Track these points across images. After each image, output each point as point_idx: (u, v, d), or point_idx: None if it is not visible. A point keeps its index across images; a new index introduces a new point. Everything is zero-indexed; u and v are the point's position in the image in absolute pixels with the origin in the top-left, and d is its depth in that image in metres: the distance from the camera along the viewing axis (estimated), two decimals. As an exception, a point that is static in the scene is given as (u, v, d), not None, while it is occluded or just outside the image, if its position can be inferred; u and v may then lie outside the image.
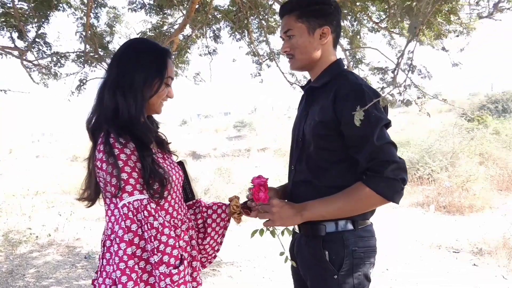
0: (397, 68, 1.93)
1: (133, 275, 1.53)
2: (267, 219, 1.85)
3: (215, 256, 2.19)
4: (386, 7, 3.77)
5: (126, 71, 1.74)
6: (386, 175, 1.64)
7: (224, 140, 38.48)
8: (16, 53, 4.00)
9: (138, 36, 5.15)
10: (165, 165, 1.82)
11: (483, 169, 11.39)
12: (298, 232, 1.99)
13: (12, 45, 3.95)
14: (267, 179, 1.90)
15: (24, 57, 4.06)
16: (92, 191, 1.84)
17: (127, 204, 1.56)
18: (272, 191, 2.12)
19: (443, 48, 4.71)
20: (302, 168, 1.95)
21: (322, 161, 1.85)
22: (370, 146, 1.67)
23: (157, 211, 1.62)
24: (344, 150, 1.79)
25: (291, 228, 2.11)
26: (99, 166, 1.63)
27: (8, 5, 3.64)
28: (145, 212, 1.57)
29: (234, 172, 15.20)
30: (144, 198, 1.59)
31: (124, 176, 1.57)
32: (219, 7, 5.36)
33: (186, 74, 6.32)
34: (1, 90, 3.78)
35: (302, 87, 2.21)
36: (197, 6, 4.38)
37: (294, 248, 2.04)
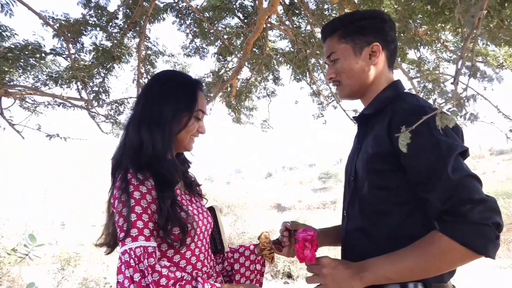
0: (456, 77, 1.48)
1: None
2: (318, 284, 1.47)
3: None
4: (459, 29, 3.28)
5: (153, 104, 1.61)
6: (472, 218, 1.20)
7: (309, 192, 37.88)
8: (82, 103, 4.23)
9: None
10: (191, 209, 1.62)
11: None
12: None
13: (79, 96, 4.19)
14: (315, 232, 1.53)
15: (89, 107, 4.28)
16: (110, 236, 1.66)
17: (128, 251, 1.35)
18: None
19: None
20: (355, 213, 1.58)
21: (378, 203, 1.47)
22: (445, 181, 1.25)
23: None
24: (406, 188, 1.40)
25: None
26: (112, 204, 1.48)
27: (75, 57, 3.92)
28: (151, 259, 1.35)
29: (317, 225, 14.50)
30: (150, 246, 1.38)
31: (132, 217, 1.39)
32: (280, 50, 5.25)
33: (252, 121, 6.22)
34: (61, 138, 4.00)
35: (354, 117, 1.84)
36: (254, 48, 4.30)
37: None
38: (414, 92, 3.58)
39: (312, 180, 42.55)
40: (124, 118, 4.68)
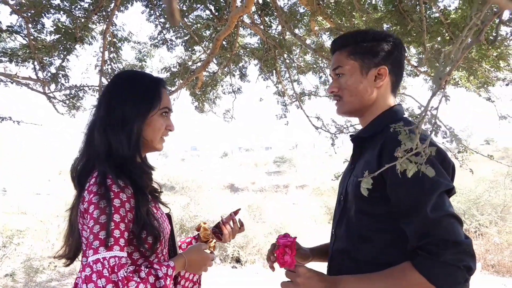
0: (418, 128, 1.55)
1: None
2: None
3: None
4: (421, 49, 3.44)
5: (116, 106, 1.56)
6: (444, 259, 1.24)
7: (263, 175, 38.28)
8: (38, 84, 4.01)
9: (161, 73, 5.11)
10: (158, 217, 1.62)
11: (539, 227, 10.30)
12: None
13: (35, 77, 3.96)
14: (295, 238, 1.58)
15: (46, 89, 4.06)
16: (72, 247, 1.63)
17: (102, 260, 1.30)
18: (300, 252, 1.84)
19: (489, 99, 4.25)
20: (341, 234, 1.62)
21: (363, 229, 1.51)
22: (422, 218, 1.29)
23: (135, 272, 1.38)
24: (390, 217, 1.43)
25: None
26: (85, 209, 1.41)
27: (34, 37, 3.68)
28: (123, 271, 1.31)
29: (269, 209, 14.78)
30: (123, 257, 1.35)
31: (111, 225, 1.35)
32: (248, 45, 5.24)
33: (215, 111, 6.19)
34: (14, 121, 3.79)
35: (351, 136, 1.79)
36: (224, 43, 4.24)
37: None
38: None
39: (267, 163, 43.00)
40: (84, 103, 4.52)
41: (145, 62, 5.43)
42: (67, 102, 4.30)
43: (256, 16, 4.51)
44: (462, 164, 4.14)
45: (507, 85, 4.15)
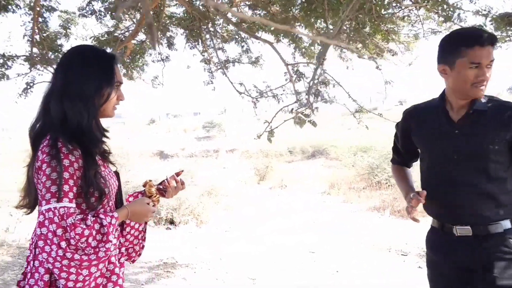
0: (309, 93, 2.14)
1: (72, 269, 1.57)
2: None
3: (140, 254, 2.18)
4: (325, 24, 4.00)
5: (74, 79, 1.74)
6: None
7: (193, 140, 38.11)
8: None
9: (89, 41, 5.14)
10: (105, 175, 1.86)
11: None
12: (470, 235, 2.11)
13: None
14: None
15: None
16: (32, 198, 1.86)
17: (53, 209, 1.55)
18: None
19: (377, 67, 5.00)
20: (466, 179, 2.13)
21: (491, 172, 2.08)
22: None
23: (82, 220, 1.63)
24: (510, 163, 2.10)
25: None
26: (39, 166, 1.63)
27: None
28: (71, 219, 1.56)
29: (200, 173, 15.09)
30: (72, 207, 1.60)
31: (60, 181, 1.58)
32: (174, 15, 5.42)
33: (143, 78, 6.35)
34: None
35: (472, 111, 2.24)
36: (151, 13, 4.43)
37: (476, 256, 2.11)
38: (288, 76, 4.25)
39: (196, 129, 42.76)
40: (15, 71, 4.42)
41: (70, 29, 5.40)
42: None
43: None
44: (359, 122, 4.90)
45: (392, 55, 4.95)
